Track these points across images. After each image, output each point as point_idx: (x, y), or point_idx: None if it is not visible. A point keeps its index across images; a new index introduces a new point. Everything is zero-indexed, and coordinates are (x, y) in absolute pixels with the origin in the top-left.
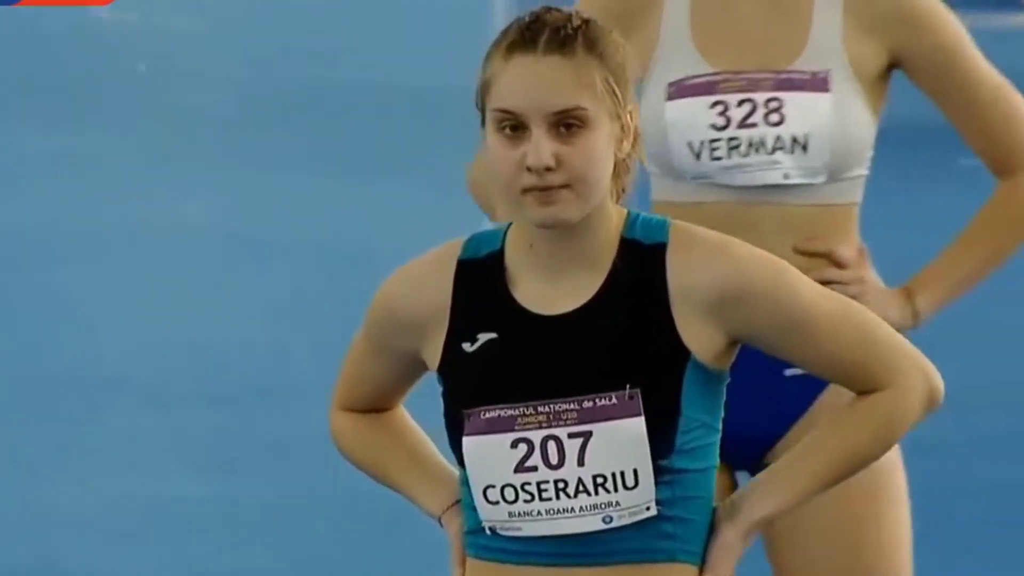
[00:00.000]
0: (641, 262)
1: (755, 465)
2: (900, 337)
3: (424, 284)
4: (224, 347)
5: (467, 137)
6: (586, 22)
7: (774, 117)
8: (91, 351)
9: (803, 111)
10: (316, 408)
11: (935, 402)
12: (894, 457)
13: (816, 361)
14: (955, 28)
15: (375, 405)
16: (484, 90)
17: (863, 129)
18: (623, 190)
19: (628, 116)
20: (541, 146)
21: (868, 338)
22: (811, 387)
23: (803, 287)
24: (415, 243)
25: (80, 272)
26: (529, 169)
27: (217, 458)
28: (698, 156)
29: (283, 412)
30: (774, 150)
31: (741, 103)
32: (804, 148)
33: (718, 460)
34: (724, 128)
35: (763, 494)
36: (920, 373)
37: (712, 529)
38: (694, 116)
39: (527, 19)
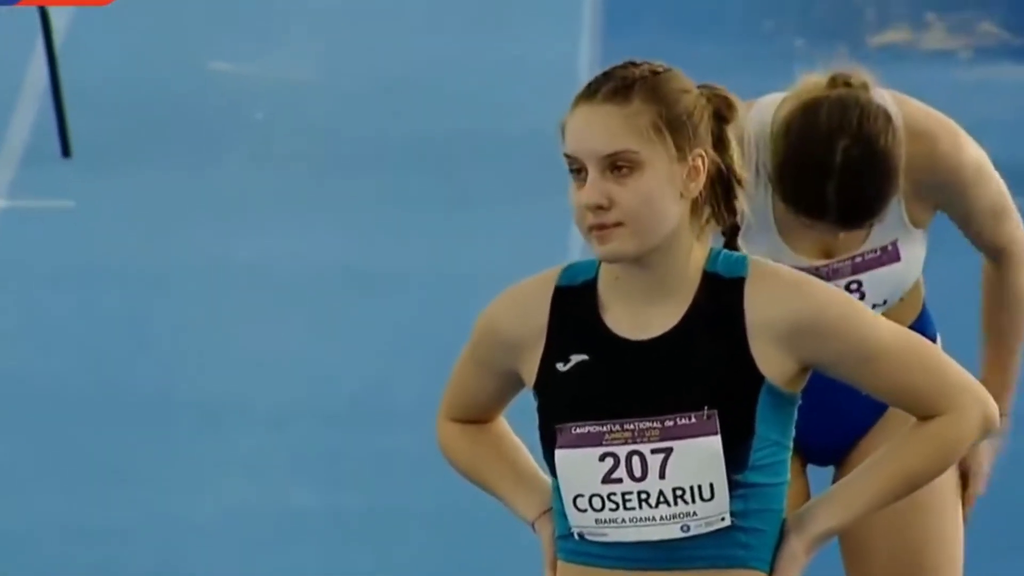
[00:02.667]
0: (721, 294)
1: (839, 463)
2: (959, 367)
3: (525, 307)
4: (337, 373)
5: (557, 179)
6: (656, 74)
7: (855, 296)
8: (217, 377)
9: (880, 283)
10: (417, 427)
11: (989, 428)
12: None
13: (881, 389)
14: (976, 172)
15: (477, 416)
16: (562, 137)
17: (923, 254)
18: (735, 226)
19: (697, 159)
20: (592, 187)
21: (930, 369)
22: None
23: (872, 322)
24: (512, 277)
25: (206, 306)
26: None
27: (328, 473)
28: None
29: (388, 431)
30: None
31: None
32: (884, 304)
33: (789, 475)
34: None
35: (827, 509)
36: (977, 402)
37: (780, 539)
38: None
39: (602, 72)
